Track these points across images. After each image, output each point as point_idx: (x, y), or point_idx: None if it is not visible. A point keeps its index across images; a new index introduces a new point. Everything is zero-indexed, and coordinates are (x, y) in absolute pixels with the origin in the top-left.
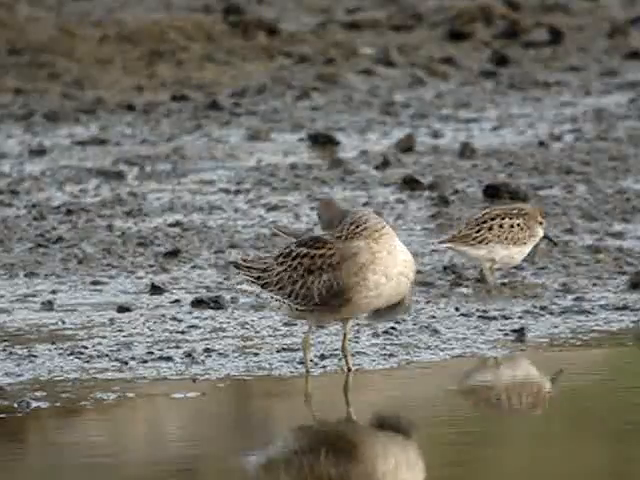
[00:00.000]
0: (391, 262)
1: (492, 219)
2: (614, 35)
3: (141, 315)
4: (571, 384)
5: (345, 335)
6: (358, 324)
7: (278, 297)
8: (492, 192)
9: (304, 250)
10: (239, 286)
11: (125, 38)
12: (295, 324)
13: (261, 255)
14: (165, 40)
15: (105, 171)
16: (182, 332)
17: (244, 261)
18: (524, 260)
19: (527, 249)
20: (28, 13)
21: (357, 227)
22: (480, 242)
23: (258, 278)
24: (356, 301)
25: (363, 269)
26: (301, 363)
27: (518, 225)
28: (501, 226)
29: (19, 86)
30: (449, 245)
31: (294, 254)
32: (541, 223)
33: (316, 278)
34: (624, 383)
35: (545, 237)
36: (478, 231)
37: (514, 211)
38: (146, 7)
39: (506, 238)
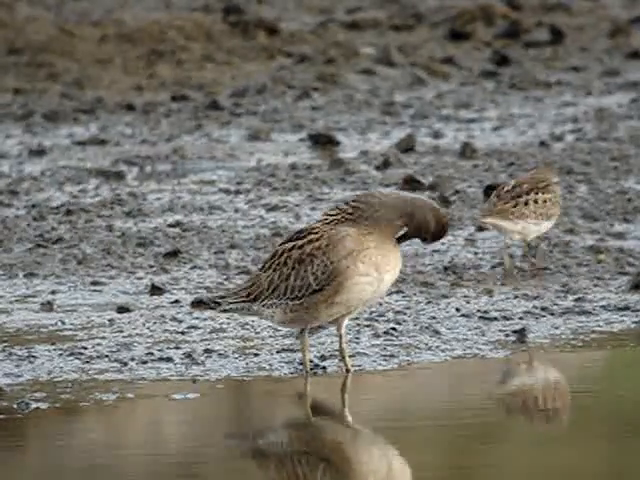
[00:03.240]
0: (382, 260)
1: (527, 194)
2: (615, 35)
3: (141, 316)
4: (571, 385)
5: (341, 337)
6: (358, 324)
7: (271, 302)
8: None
9: (289, 244)
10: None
11: (125, 38)
12: None
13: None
14: (165, 40)
15: (105, 171)
16: (182, 333)
17: (224, 293)
18: (525, 261)
19: (554, 220)
20: (27, 13)
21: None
22: (518, 217)
23: (248, 295)
24: (350, 287)
25: (352, 254)
26: (301, 364)
27: (550, 200)
28: (536, 202)
29: (18, 86)
30: (488, 220)
31: (279, 252)
32: (557, 183)
33: (308, 265)
34: (625, 384)
35: None
36: (515, 206)
37: (541, 184)
38: (146, 7)
39: (540, 214)
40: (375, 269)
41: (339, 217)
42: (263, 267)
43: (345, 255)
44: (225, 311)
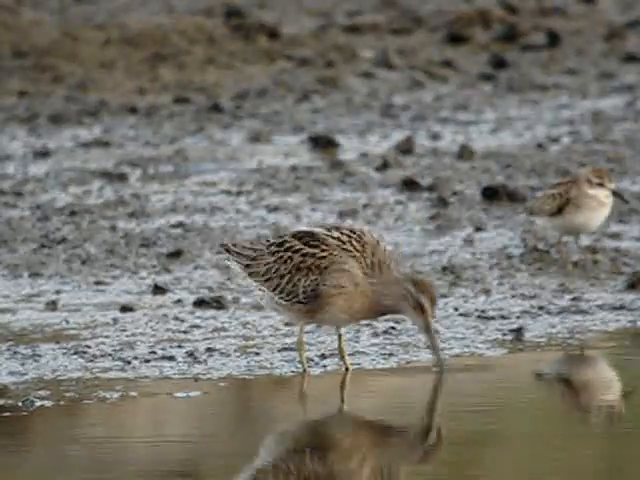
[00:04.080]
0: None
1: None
2: (611, 38)
3: (144, 315)
4: (566, 384)
5: (340, 336)
6: (358, 323)
7: (263, 288)
8: (490, 194)
9: (297, 245)
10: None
11: (128, 41)
12: None
13: (253, 241)
14: (167, 43)
15: (108, 173)
16: (184, 332)
17: (234, 246)
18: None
19: (573, 215)
20: (32, 16)
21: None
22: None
23: (246, 266)
24: (329, 310)
25: (342, 290)
26: (301, 362)
27: (552, 196)
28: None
29: (23, 89)
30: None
31: (287, 245)
32: (600, 184)
33: (303, 277)
34: (621, 383)
35: (615, 194)
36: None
37: (556, 181)
38: (149, 10)
39: (539, 209)
40: (350, 315)
41: (355, 252)
42: (270, 247)
43: (335, 285)
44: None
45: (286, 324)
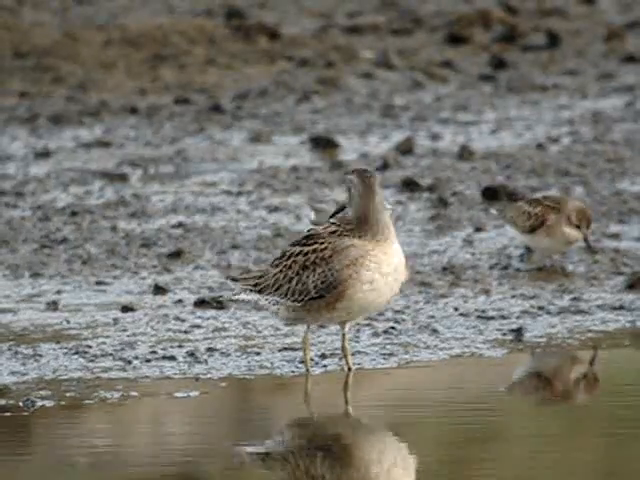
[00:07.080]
0: (384, 260)
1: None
2: (611, 39)
3: (144, 315)
4: (566, 384)
5: (344, 335)
6: (358, 323)
7: (275, 299)
8: (490, 194)
9: (297, 249)
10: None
11: (128, 42)
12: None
13: (255, 269)
14: (168, 44)
15: (109, 173)
16: (185, 332)
17: (240, 274)
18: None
19: (542, 238)
20: (33, 17)
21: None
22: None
23: (255, 285)
24: (351, 295)
25: (356, 263)
26: (302, 362)
27: (528, 215)
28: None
29: (24, 89)
30: None
31: (288, 254)
32: (577, 227)
33: (311, 272)
34: (620, 383)
35: (585, 241)
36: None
37: (537, 195)
38: (149, 11)
39: (507, 217)
40: (378, 271)
41: (346, 232)
42: (273, 263)
43: (348, 264)
44: (234, 301)
45: (286, 324)
